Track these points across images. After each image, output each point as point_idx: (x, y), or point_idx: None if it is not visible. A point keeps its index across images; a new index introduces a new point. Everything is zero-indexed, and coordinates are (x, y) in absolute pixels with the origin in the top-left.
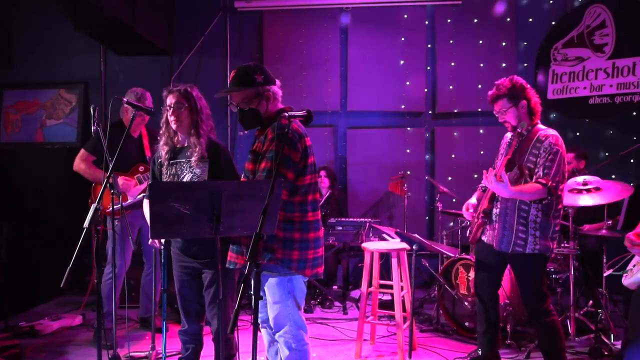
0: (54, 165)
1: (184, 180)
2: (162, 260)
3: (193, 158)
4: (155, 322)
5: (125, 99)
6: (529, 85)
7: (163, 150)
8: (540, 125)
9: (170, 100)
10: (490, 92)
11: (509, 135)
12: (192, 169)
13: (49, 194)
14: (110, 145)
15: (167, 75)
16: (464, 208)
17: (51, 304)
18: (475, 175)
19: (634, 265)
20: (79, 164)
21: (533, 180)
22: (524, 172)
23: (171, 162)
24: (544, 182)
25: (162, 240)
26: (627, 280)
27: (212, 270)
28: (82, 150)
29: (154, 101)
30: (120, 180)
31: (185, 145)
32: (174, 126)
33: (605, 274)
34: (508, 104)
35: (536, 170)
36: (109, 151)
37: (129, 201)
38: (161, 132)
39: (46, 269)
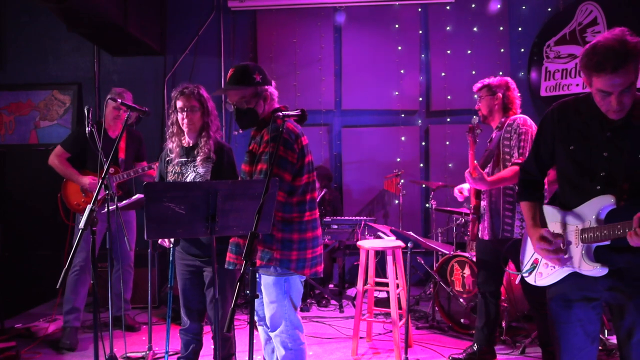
0: (49, 167)
1: (188, 178)
2: (170, 259)
3: (198, 158)
4: (127, 320)
5: (119, 100)
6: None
7: (173, 151)
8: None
9: (182, 102)
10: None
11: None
12: (196, 168)
13: (44, 195)
14: (86, 144)
15: (160, 75)
16: (455, 190)
17: (47, 305)
18: None
19: (534, 262)
20: (53, 159)
21: (510, 164)
22: (500, 159)
23: (177, 160)
24: (519, 161)
25: (172, 239)
26: (542, 280)
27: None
28: (59, 147)
29: (148, 101)
30: (88, 179)
31: (193, 145)
32: (186, 128)
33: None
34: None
35: (512, 152)
36: (85, 151)
37: (124, 202)
38: (169, 131)
39: (41, 271)
